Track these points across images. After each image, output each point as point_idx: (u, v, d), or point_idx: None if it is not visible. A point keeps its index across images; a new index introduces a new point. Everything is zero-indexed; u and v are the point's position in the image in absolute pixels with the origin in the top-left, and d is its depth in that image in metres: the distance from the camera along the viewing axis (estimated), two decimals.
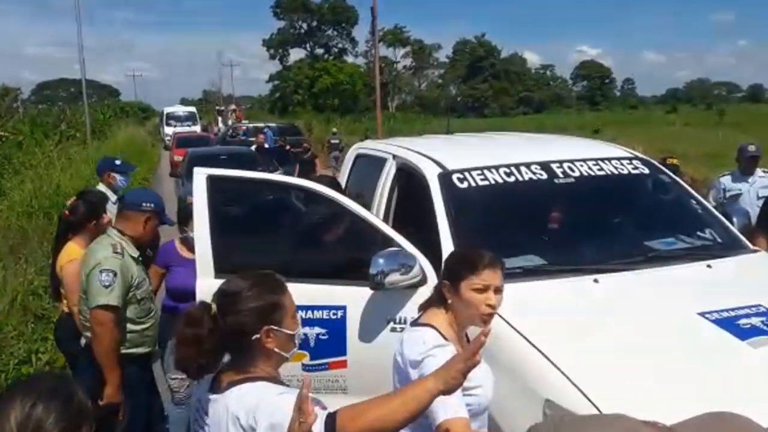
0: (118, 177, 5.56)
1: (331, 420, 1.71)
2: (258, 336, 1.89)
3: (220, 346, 1.91)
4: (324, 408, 1.87)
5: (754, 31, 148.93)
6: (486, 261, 2.19)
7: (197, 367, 1.90)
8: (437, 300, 2.28)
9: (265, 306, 1.90)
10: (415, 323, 2.29)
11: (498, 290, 2.20)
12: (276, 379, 1.92)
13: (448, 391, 1.76)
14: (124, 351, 3.39)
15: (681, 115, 53.19)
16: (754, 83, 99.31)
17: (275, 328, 1.90)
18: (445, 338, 2.17)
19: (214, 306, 1.93)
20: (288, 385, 1.92)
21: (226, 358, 1.98)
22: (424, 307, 2.36)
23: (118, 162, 5.81)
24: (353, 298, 3.17)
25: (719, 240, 3.52)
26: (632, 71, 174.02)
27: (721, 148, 23.02)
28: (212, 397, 1.90)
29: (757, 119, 39.67)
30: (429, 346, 2.09)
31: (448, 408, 2.00)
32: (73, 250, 3.88)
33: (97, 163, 6.03)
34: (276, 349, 1.92)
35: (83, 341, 3.59)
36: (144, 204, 3.55)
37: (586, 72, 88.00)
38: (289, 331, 1.93)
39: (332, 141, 20.55)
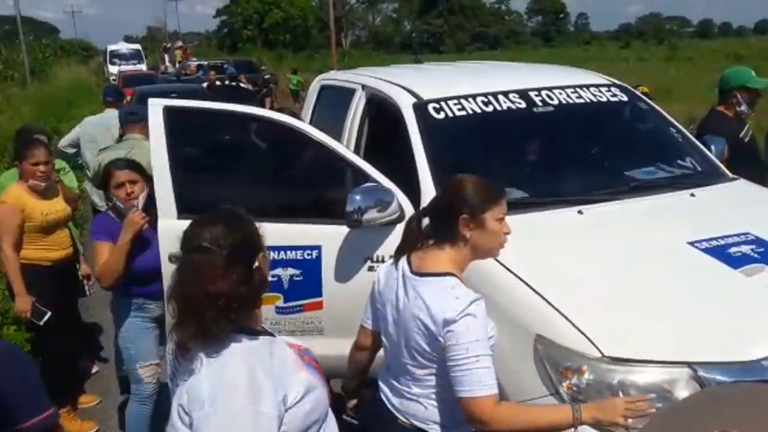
0: None
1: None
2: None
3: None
4: (312, 357, 1.75)
5: None
6: (503, 190, 2.11)
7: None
8: (445, 238, 2.04)
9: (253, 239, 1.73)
10: (426, 273, 2.01)
11: None
12: None
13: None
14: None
15: (634, 50, 53.53)
16: (704, 18, 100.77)
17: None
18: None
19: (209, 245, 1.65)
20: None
21: None
22: (409, 249, 2.10)
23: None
24: (328, 237, 3.01)
25: (699, 168, 3.46)
26: (586, 6, 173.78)
27: (673, 83, 23.30)
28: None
29: (708, 55, 40.29)
30: (465, 302, 1.89)
31: (478, 382, 1.85)
32: (8, 189, 3.84)
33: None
34: None
35: None
36: None
37: (540, 7, 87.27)
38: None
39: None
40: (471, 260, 2.08)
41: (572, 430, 1.86)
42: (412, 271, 2.04)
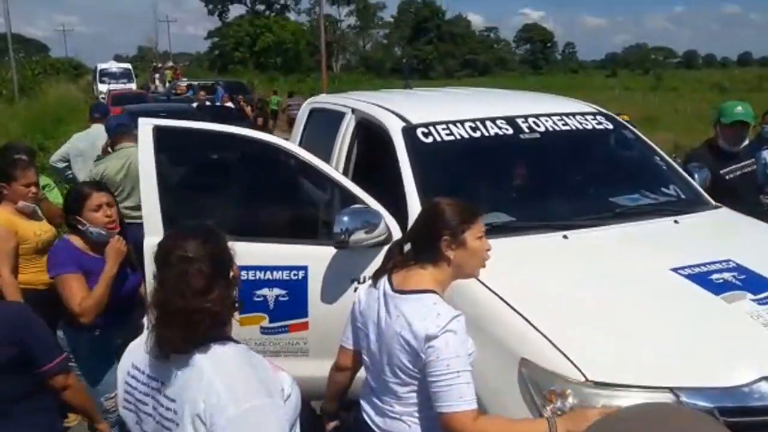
0: None
1: None
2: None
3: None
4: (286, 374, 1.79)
5: None
6: (478, 209, 2.16)
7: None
8: (426, 258, 2.08)
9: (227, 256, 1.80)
10: (407, 291, 2.04)
11: None
12: None
13: None
14: None
15: (620, 79, 54.42)
16: (689, 49, 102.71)
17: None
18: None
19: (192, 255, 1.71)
20: None
21: None
22: (387, 271, 2.12)
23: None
24: (315, 257, 3.02)
25: (683, 196, 3.51)
26: (573, 35, 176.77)
27: (658, 112, 23.67)
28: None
29: (692, 85, 41.03)
30: (446, 319, 1.92)
31: (459, 398, 1.87)
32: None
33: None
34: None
35: None
36: None
37: (528, 35, 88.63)
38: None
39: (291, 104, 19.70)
40: (453, 279, 2.12)
41: None
42: (393, 290, 2.07)
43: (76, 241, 3.11)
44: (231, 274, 1.76)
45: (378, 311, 2.09)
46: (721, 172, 4.04)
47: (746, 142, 4.24)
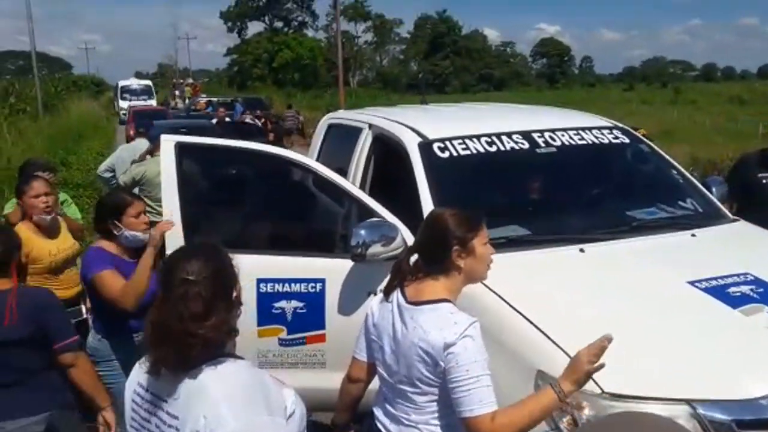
0: None
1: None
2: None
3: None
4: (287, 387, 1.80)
5: (707, 10, 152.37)
6: (482, 215, 2.20)
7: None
8: (437, 269, 2.12)
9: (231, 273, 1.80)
10: (423, 302, 2.07)
11: None
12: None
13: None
14: None
15: (638, 93, 54.21)
16: (707, 62, 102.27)
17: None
18: None
19: (193, 277, 1.69)
20: None
21: None
22: (398, 284, 2.16)
23: None
24: (333, 270, 3.06)
25: (700, 209, 3.51)
26: (590, 49, 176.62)
27: (676, 126, 23.53)
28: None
29: (711, 98, 40.72)
30: (464, 326, 1.97)
31: (479, 402, 1.92)
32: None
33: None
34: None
35: None
36: None
37: (545, 50, 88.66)
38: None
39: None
40: (464, 286, 2.17)
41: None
42: (408, 302, 2.10)
43: (109, 246, 3.15)
44: (234, 294, 1.76)
45: (393, 323, 2.12)
46: (759, 175, 4.02)
47: None
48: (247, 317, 3.05)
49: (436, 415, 2.05)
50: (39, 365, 2.64)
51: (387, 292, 2.19)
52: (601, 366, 1.95)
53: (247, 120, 14.71)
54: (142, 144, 6.75)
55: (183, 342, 1.62)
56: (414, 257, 2.21)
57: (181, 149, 3.14)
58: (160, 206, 4.46)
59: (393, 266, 2.23)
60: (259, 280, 3.06)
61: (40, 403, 2.61)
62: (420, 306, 2.06)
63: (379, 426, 2.19)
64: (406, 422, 2.10)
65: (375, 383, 2.30)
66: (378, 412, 2.22)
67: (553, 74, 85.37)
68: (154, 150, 5.76)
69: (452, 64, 74.42)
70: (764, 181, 4.10)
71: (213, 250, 1.77)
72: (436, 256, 2.11)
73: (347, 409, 2.41)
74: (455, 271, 2.10)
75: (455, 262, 2.09)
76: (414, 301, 2.09)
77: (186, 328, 1.62)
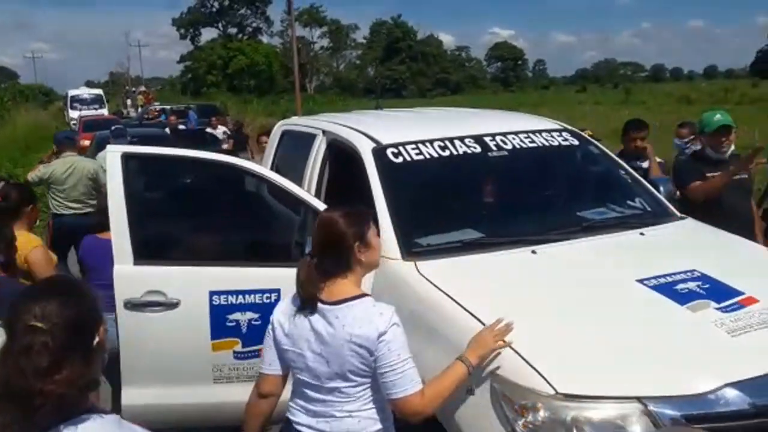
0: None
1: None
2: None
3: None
4: None
5: (655, 12, 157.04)
6: (366, 208, 2.40)
7: None
8: (343, 267, 2.22)
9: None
10: (343, 300, 2.16)
11: None
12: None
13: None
14: None
15: (590, 94, 55.41)
16: (656, 63, 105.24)
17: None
18: None
19: (41, 324, 1.43)
20: None
21: None
22: (310, 288, 2.20)
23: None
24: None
25: (648, 208, 3.58)
26: (543, 52, 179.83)
27: None
28: None
29: (660, 98, 41.89)
30: (389, 314, 2.13)
31: (411, 381, 2.11)
32: (27, 238, 3.62)
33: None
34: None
35: None
36: None
37: (499, 53, 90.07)
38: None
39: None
40: (364, 275, 2.32)
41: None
42: (327, 303, 2.18)
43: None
44: (95, 340, 1.50)
45: (313, 327, 2.18)
46: (707, 175, 4.08)
47: (732, 148, 4.30)
48: (201, 331, 3.02)
49: (370, 398, 2.19)
50: None
51: (301, 297, 2.23)
52: (507, 344, 2.26)
53: (212, 131, 14.02)
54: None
55: (27, 404, 1.37)
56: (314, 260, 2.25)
57: (128, 159, 3.06)
58: (70, 201, 6.02)
59: (299, 272, 2.24)
60: (212, 293, 3.00)
61: None
62: (343, 304, 2.17)
63: (301, 429, 2.24)
64: (339, 414, 2.18)
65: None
66: (297, 417, 2.27)
67: (508, 78, 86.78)
68: (59, 152, 6.54)
69: (408, 69, 74.93)
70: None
71: (71, 288, 1.54)
72: (340, 255, 2.21)
73: (259, 427, 2.41)
74: (357, 266, 2.24)
75: (358, 258, 2.22)
76: (334, 301, 2.18)
77: (29, 386, 1.37)
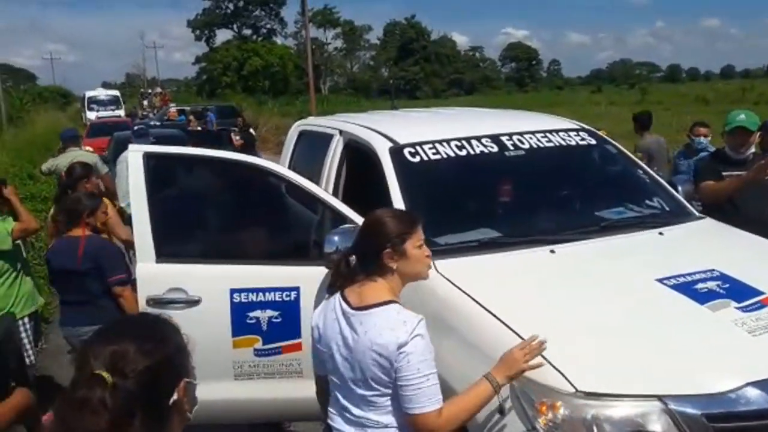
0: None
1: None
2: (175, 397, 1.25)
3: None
4: None
5: (670, 12, 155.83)
6: (417, 217, 2.25)
7: None
8: (374, 272, 2.17)
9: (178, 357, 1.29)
10: (369, 306, 2.12)
11: None
12: None
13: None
14: None
15: (605, 95, 54.91)
16: (672, 63, 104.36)
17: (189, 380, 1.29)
18: None
19: (106, 375, 1.16)
20: None
21: None
22: (340, 287, 2.21)
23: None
24: (307, 278, 3.05)
25: (667, 208, 3.57)
26: (558, 53, 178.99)
27: None
28: None
29: (676, 98, 41.50)
30: (413, 324, 2.04)
31: (428, 399, 2.01)
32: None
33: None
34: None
35: None
36: None
37: (513, 54, 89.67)
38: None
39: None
40: (403, 285, 2.23)
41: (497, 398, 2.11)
42: (353, 308, 2.14)
43: None
44: (173, 397, 1.23)
45: (341, 332, 2.15)
46: (723, 174, 4.04)
47: (752, 150, 4.22)
48: (222, 328, 3.05)
49: (399, 412, 2.10)
50: (100, 290, 3.60)
51: (330, 293, 2.25)
52: (538, 365, 2.11)
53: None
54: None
55: None
56: (353, 260, 2.25)
57: (149, 159, 3.11)
58: None
59: (333, 270, 2.26)
60: (233, 290, 3.04)
61: (101, 318, 3.16)
62: (367, 310, 2.12)
63: None
64: (368, 423, 2.15)
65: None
66: (336, 422, 2.24)
67: (522, 78, 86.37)
68: (64, 148, 7.62)
69: (422, 70, 74.80)
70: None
71: (155, 329, 1.27)
72: (370, 258, 2.17)
73: None
74: (389, 273, 2.17)
75: (388, 264, 2.15)
76: (359, 306, 2.13)
77: None
